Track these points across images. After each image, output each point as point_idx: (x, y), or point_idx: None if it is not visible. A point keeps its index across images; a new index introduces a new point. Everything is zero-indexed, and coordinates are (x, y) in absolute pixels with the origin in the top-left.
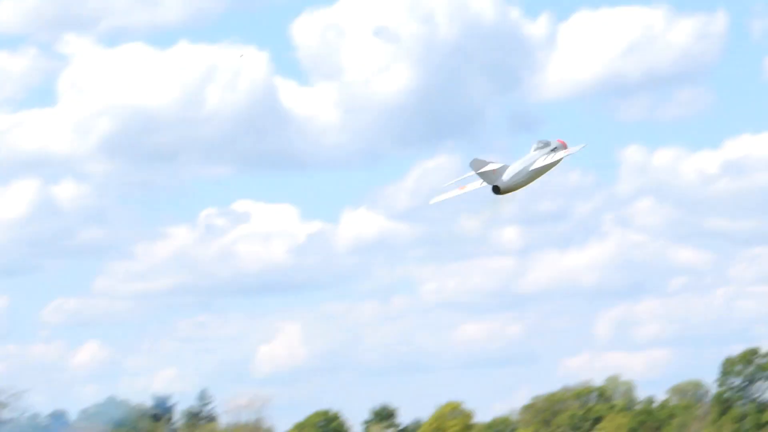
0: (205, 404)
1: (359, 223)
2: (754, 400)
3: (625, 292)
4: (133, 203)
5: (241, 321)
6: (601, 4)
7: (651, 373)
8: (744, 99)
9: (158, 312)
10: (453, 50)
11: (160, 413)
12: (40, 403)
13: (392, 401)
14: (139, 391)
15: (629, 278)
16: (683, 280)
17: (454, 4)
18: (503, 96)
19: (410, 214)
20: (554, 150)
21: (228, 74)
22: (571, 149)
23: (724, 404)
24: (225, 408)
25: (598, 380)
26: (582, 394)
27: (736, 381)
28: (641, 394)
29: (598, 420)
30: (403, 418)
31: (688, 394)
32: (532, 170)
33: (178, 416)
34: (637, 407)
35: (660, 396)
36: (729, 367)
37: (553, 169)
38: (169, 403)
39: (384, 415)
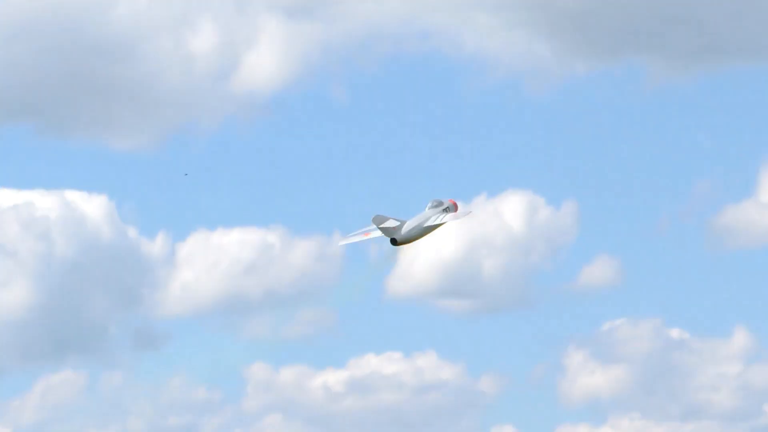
0: None
1: None
2: None
3: None
4: None
5: None
6: (218, 225)
7: None
8: (366, 320)
9: None
10: (72, 267)
11: None
12: None
13: None
14: None
15: None
16: None
17: (71, 223)
18: (126, 313)
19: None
20: (446, 209)
21: None
22: (460, 214)
23: None
24: None
25: None
26: None
27: None
28: None
29: None
30: None
31: None
32: (425, 226)
33: None
34: None
35: None
36: None
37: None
38: None
39: None
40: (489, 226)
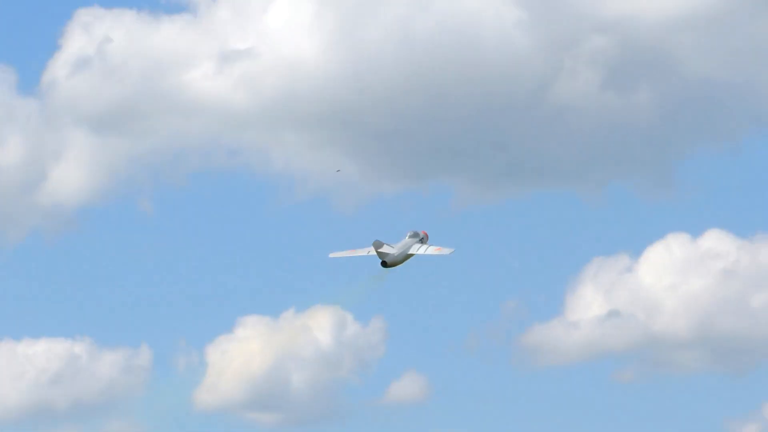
0: None
1: None
2: None
3: None
4: None
5: None
6: (23, 335)
7: None
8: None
9: None
10: None
11: None
12: None
13: None
14: None
15: None
16: None
17: None
18: None
19: None
20: (421, 240)
21: None
22: (443, 251)
23: None
24: None
25: None
26: None
27: None
28: None
29: None
30: None
31: None
32: (408, 253)
33: None
34: None
35: None
36: None
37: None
38: None
39: None
40: (297, 340)
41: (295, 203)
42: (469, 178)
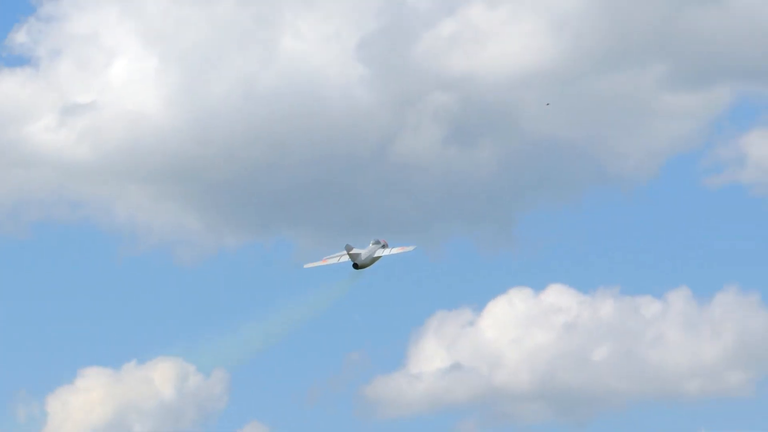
0: None
1: None
2: None
3: None
4: None
5: None
6: None
7: None
8: None
9: None
10: None
11: None
12: None
13: None
14: None
15: None
16: None
17: None
18: None
19: None
20: (383, 246)
21: None
22: (404, 249)
23: None
24: None
25: None
26: None
27: None
28: None
29: None
30: None
31: None
32: (374, 256)
33: None
34: None
35: None
36: None
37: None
38: None
39: None
40: (139, 391)
41: (137, 255)
42: (312, 231)
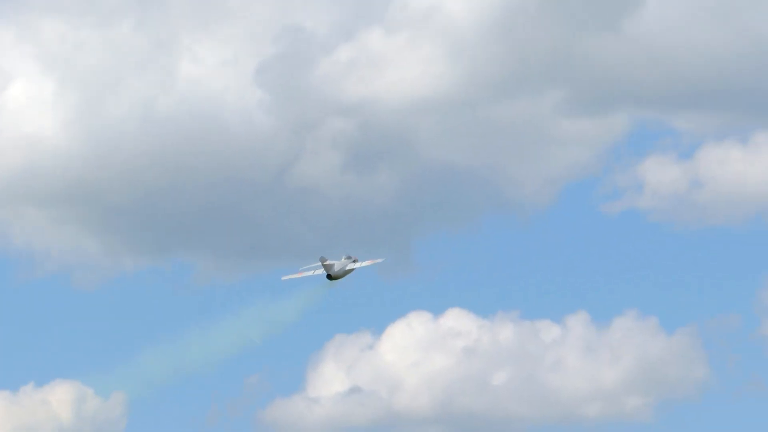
0: None
1: None
2: None
3: None
4: None
5: None
6: None
7: None
8: None
9: None
10: None
11: None
12: None
13: None
14: None
15: None
16: None
17: None
18: None
19: None
20: (354, 261)
21: None
22: (374, 261)
23: None
24: None
25: None
26: None
27: None
28: None
29: None
30: None
31: None
32: (347, 269)
33: None
34: None
35: None
36: None
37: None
38: None
39: None
40: (37, 416)
41: (35, 279)
42: (211, 255)
